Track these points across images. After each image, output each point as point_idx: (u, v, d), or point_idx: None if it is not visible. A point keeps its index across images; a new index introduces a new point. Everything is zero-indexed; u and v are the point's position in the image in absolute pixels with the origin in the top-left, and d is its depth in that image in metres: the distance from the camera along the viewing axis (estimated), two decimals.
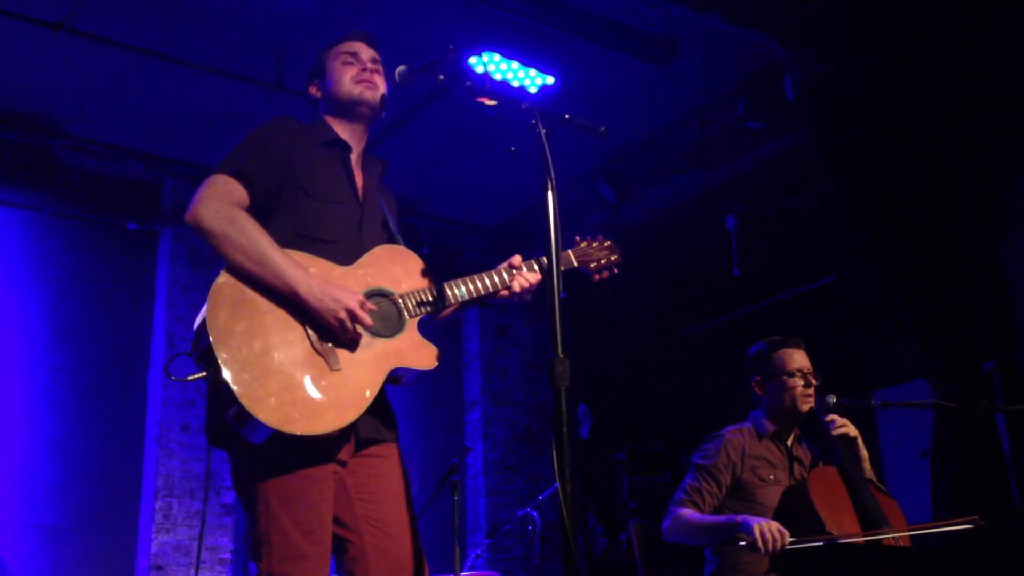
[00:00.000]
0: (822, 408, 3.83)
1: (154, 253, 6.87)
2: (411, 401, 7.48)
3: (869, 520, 3.60)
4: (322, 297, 2.55)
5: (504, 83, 5.47)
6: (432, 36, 5.21)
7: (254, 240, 2.57)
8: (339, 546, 2.65)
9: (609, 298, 7.58)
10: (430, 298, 2.76)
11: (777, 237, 6.88)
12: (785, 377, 3.92)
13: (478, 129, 6.19)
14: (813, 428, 4.01)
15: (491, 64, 5.42)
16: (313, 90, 2.96)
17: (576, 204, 7.23)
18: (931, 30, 5.07)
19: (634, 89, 6.08)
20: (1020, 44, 4.94)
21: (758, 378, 4.00)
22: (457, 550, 5.40)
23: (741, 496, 3.89)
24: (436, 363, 2.71)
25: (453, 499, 5.47)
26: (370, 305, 2.62)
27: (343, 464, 2.64)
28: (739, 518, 3.61)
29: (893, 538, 3.56)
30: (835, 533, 3.53)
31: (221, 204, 2.61)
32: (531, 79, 5.57)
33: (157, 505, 6.36)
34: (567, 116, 2.64)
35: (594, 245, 3.12)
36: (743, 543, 3.50)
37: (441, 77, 2.75)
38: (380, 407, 2.71)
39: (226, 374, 2.42)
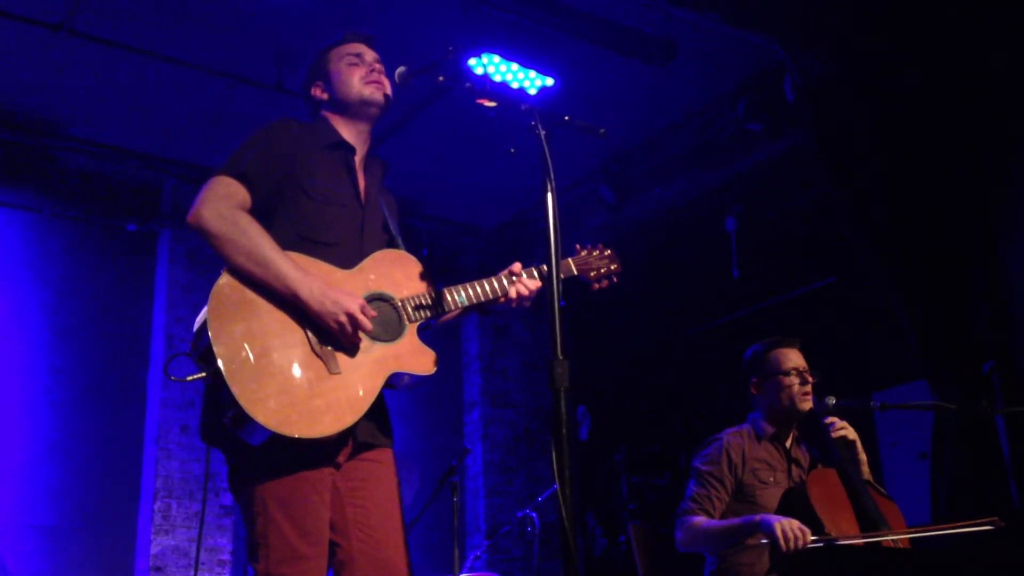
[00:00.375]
0: (821, 410, 3.83)
1: (154, 254, 6.87)
2: (410, 402, 7.48)
3: (868, 522, 3.60)
4: (323, 300, 2.55)
5: (504, 84, 5.47)
6: (432, 37, 5.22)
7: (256, 242, 2.57)
8: (328, 549, 2.65)
9: (608, 299, 7.57)
10: (430, 303, 2.76)
11: (777, 238, 6.89)
12: (781, 377, 3.92)
13: (478, 130, 6.18)
14: (812, 430, 4.01)
15: (491, 65, 5.42)
16: (316, 91, 2.95)
17: (576, 205, 7.23)
18: (931, 31, 5.08)
19: (634, 90, 6.08)
20: (1020, 45, 4.94)
21: (755, 379, 4.01)
22: (456, 551, 5.40)
23: (742, 498, 3.89)
24: (434, 369, 2.71)
25: (452, 500, 5.47)
26: (370, 309, 2.62)
27: (339, 467, 2.64)
28: (756, 518, 3.59)
29: (892, 540, 3.56)
30: (834, 535, 3.53)
31: (223, 205, 2.61)
32: (531, 80, 5.57)
33: (156, 506, 6.36)
34: (567, 117, 2.65)
35: (594, 254, 3.13)
36: (764, 540, 3.48)
37: (441, 78, 2.76)
38: (377, 411, 2.71)
39: (225, 375, 2.42)
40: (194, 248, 6.75)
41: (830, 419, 3.86)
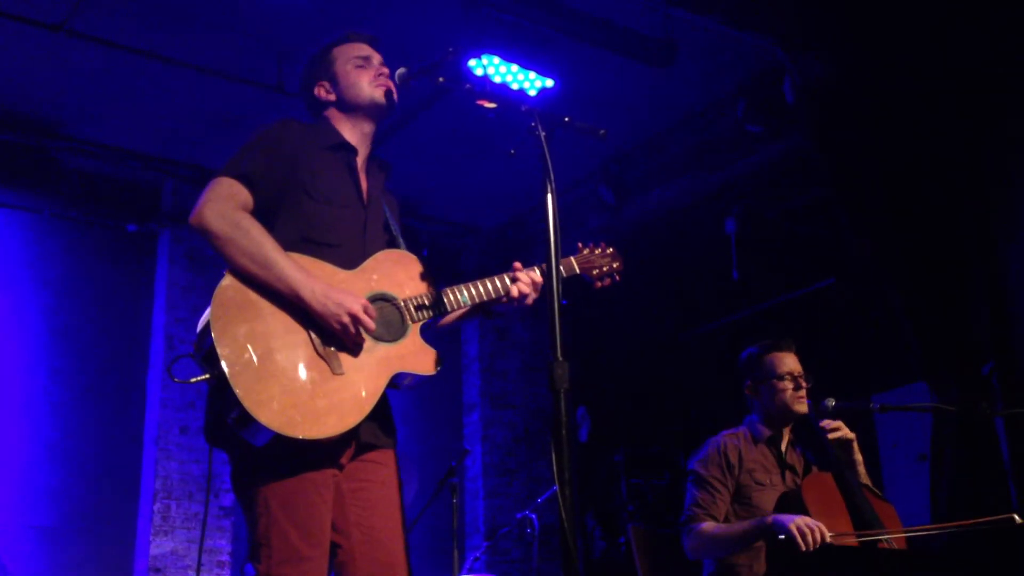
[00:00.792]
0: (821, 412, 3.83)
1: (153, 255, 6.87)
2: (410, 403, 7.48)
3: (864, 525, 3.60)
4: (325, 301, 2.55)
5: (504, 85, 5.47)
6: (432, 38, 5.22)
7: (258, 243, 2.56)
8: (330, 549, 2.65)
9: (608, 301, 7.59)
10: (433, 303, 2.76)
11: (776, 239, 6.89)
12: (775, 380, 3.93)
13: (478, 131, 6.19)
14: (808, 433, 4.01)
15: (491, 67, 5.42)
16: (321, 92, 2.93)
17: (576, 206, 7.23)
18: (930, 32, 5.08)
19: (634, 91, 6.08)
20: (1019, 45, 4.94)
21: (749, 382, 4.02)
22: (456, 553, 5.40)
23: (739, 500, 3.89)
24: (437, 369, 2.71)
25: (452, 501, 5.47)
26: (372, 309, 2.62)
27: (341, 468, 2.65)
28: (768, 520, 3.58)
29: (887, 542, 3.56)
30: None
31: (226, 207, 2.61)
32: (531, 82, 5.57)
33: (156, 507, 6.36)
34: (567, 119, 2.64)
35: (596, 252, 3.13)
36: (782, 536, 3.46)
37: (441, 79, 2.76)
38: (380, 412, 2.71)
39: (229, 376, 2.42)
40: (194, 249, 6.75)
41: (825, 421, 3.86)
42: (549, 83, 5.61)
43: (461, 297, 2.80)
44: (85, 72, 5.72)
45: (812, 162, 5.67)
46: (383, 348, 2.64)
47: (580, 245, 3.12)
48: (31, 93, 5.94)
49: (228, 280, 2.56)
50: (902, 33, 5.13)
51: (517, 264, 2.89)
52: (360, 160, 2.90)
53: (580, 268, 3.07)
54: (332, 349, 2.57)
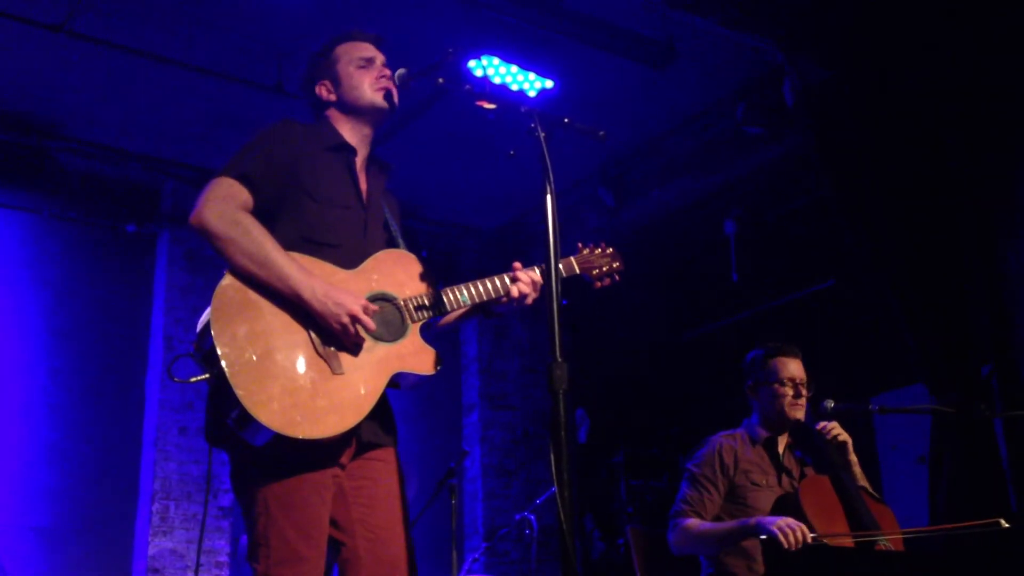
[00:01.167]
0: (820, 413, 3.84)
1: (152, 256, 6.87)
2: (409, 404, 7.48)
3: (861, 527, 3.61)
4: (325, 301, 2.55)
5: (503, 87, 5.48)
6: (432, 39, 5.21)
7: (258, 243, 2.57)
8: (333, 548, 2.65)
9: (607, 302, 7.59)
10: (433, 303, 2.76)
11: (775, 241, 6.89)
12: (776, 385, 3.94)
13: (477, 132, 6.19)
14: (804, 436, 4.02)
15: (490, 68, 5.43)
16: (322, 91, 2.92)
17: (575, 207, 7.23)
18: (929, 34, 5.08)
19: (633, 93, 6.08)
20: (1019, 48, 4.95)
21: (751, 382, 4.03)
22: (454, 554, 5.40)
23: (733, 500, 3.91)
24: (437, 368, 2.71)
25: (451, 503, 5.47)
26: (373, 309, 2.62)
27: (343, 467, 2.65)
28: (752, 521, 3.61)
29: (884, 544, 3.57)
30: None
31: (226, 207, 2.61)
32: (530, 83, 5.57)
33: (154, 508, 6.36)
34: (566, 120, 2.65)
35: (596, 252, 3.13)
36: (764, 537, 3.48)
37: (441, 80, 2.76)
38: (381, 411, 2.71)
39: (228, 376, 2.42)
40: (193, 250, 6.75)
41: (821, 424, 3.87)
42: (549, 84, 5.62)
43: (461, 297, 2.80)
44: (85, 72, 5.72)
45: (811, 164, 5.67)
46: (383, 348, 2.64)
47: (580, 245, 3.13)
48: (30, 93, 5.94)
49: (228, 280, 2.56)
50: (901, 35, 5.14)
51: (517, 264, 2.89)
52: (360, 161, 2.90)
53: (580, 268, 3.08)
54: (332, 349, 2.57)
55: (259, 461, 2.52)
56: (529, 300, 2.87)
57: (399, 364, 2.66)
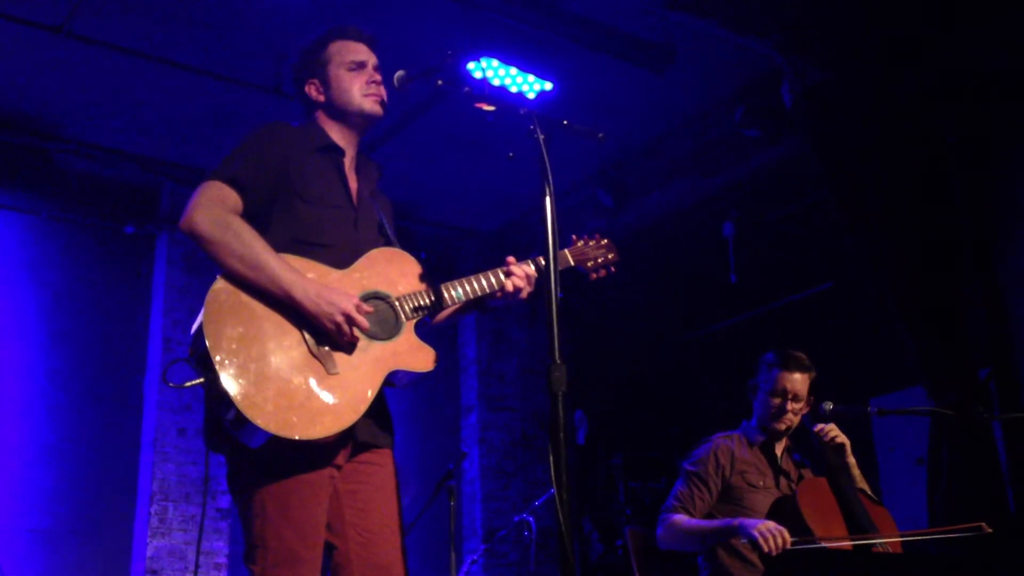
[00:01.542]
0: (818, 415, 3.84)
1: (151, 257, 6.87)
2: (408, 406, 7.48)
3: (859, 529, 3.61)
4: (318, 301, 2.54)
5: (502, 89, 5.48)
6: (431, 41, 5.22)
7: (249, 245, 2.56)
8: (325, 550, 2.65)
9: (606, 304, 7.60)
10: (427, 300, 2.76)
11: (774, 243, 6.90)
12: (769, 396, 3.96)
13: (476, 134, 6.19)
14: (802, 438, 4.03)
15: (489, 70, 5.43)
16: (312, 91, 2.92)
17: (574, 210, 7.23)
18: (928, 37, 5.09)
19: (632, 95, 6.09)
20: (1018, 52, 4.95)
21: (752, 384, 4.05)
22: (453, 556, 5.40)
23: (730, 500, 3.92)
24: (434, 365, 2.71)
25: (449, 504, 5.47)
26: (366, 308, 2.62)
27: (339, 468, 2.64)
28: (735, 521, 3.62)
29: (882, 546, 3.57)
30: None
31: (216, 210, 2.60)
32: (529, 85, 5.57)
33: (153, 509, 6.35)
34: (565, 122, 2.65)
35: (591, 244, 3.12)
36: (744, 540, 3.50)
37: (439, 82, 2.76)
38: (378, 411, 2.71)
39: (223, 379, 2.42)
40: (191, 251, 6.74)
41: (819, 426, 3.87)
42: (548, 86, 5.62)
43: (455, 293, 2.80)
44: (84, 74, 5.72)
45: (809, 167, 5.68)
46: (378, 346, 2.64)
47: (574, 238, 3.11)
48: (30, 94, 5.94)
49: (220, 283, 2.56)
50: (900, 38, 5.14)
51: (511, 259, 2.89)
52: (348, 161, 2.89)
53: (574, 260, 3.06)
54: (326, 349, 2.57)
55: (256, 463, 2.52)
56: (524, 294, 2.88)
57: (394, 362, 2.65)
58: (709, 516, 3.91)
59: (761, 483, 3.93)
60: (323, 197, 2.77)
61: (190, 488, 6.49)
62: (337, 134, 2.89)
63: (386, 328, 2.68)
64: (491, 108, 2.73)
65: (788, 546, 3.45)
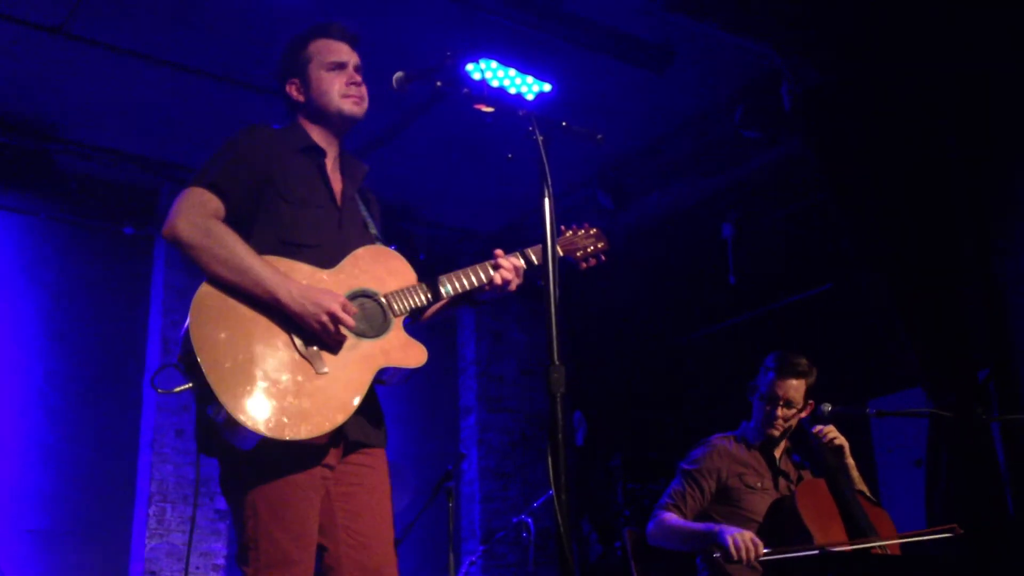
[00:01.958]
0: (817, 416, 3.84)
1: (150, 257, 6.86)
2: (406, 407, 7.47)
3: (857, 530, 3.62)
4: (303, 301, 2.54)
5: (501, 90, 5.47)
6: (430, 42, 5.22)
7: (232, 249, 2.56)
8: (317, 551, 2.65)
9: (605, 305, 7.60)
10: (414, 296, 2.76)
11: (773, 245, 6.90)
12: (765, 403, 3.97)
13: (475, 136, 6.18)
14: (801, 440, 4.03)
15: (488, 71, 5.42)
16: (292, 91, 2.91)
17: (573, 211, 7.22)
18: (928, 39, 5.09)
19: (631, 97, 6.08)
20: (1018, 55, 4.95)
21: (752, 385, 4.05)
22: (451, 557, 5.39)
23: (727, 502, 3.92)
24: (424, 360, 2.70)
25: (448, 506, 5.46)
26: (352, 307, 2.61)
27: (331, 468, 2.64)
28: (716, 528, 3.64)
29: (880, 547, 3.57)
30: (822, 544, 3.55)
31: (197, 216, 2.61)
32: (528, 86, 5.57)
33: (151, 510, 6.35)
34: (564, 123, 2.65)
35: (580, 233, 3.12)
36: (717, 555, 3.54)
37: (438, 83, 2.76)
38: (369, 409, 2.70)
39: (212, 384, 2.42)
40: None
41: (817, 427, 3.88)
42: (547, 87, 5.62)
43: (444, 289, 2.81)
44: (83, 74, 5.72)
45: (809, 168, 5.68)
46: (366, 344, 2.64)
47: (563, 228, 3.10)
48: (29, 95, 5.94)
49: (205, 288, 2.56)
50: (899, 39, 5.14)
51: (498, 251, 2.90)
52: (330, 161, 2.89)
53: (563, 251, 3.06)
54: (314, 349, 2.57)
55: (247, 464, 2.53)
56: (512, 286, 2.88)
57: (384, 359, 2.65)
58: (705, 516, 3.92)
59: (759, 484, 3.94)
60: (306, 198, 2.77)
61: (188, 489, 6.48)
62: (318, 135, 2.88)
63: (374, 326, 2.68)
64: (490, 109, 2.73)
65: (760, 557, 3.49)
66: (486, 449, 7.81)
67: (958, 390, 4.98)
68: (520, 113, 2.60)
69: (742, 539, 3.51)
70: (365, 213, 2.92)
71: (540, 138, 2.53)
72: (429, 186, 7.11)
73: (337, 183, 2.88)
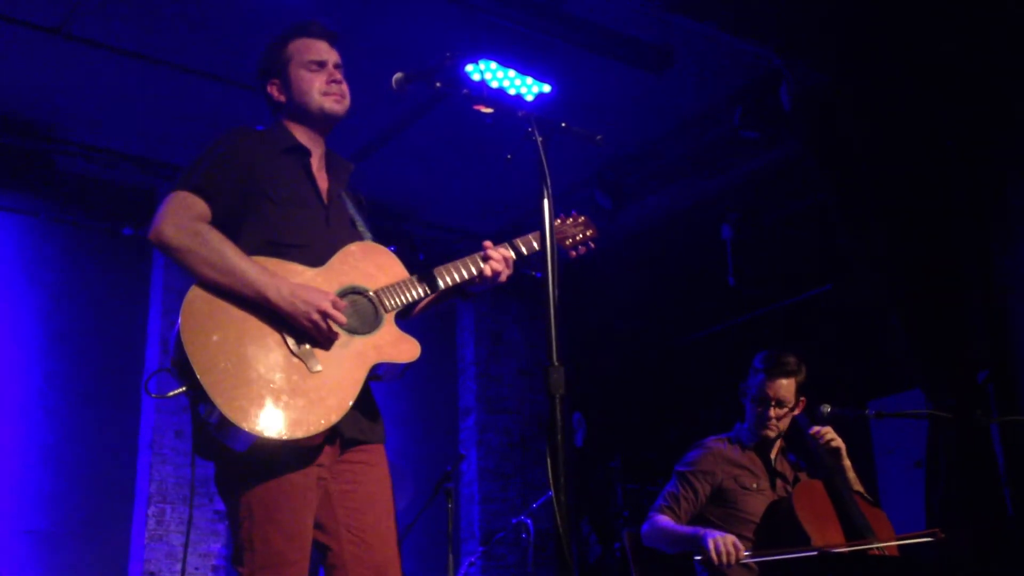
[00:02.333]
0: (816, 417, 3.84)
1: (149, 258, 6.86)
2: (405, 408, 7.48)
3: (854, 532, 3.62)
4: (293, 300, 2.54)
5: (501, 91, 5.47)
6: (429, 43, 5.22)
7: (219, 251, 2.56)
8: (319, 551, 2.65)
9: (605, 306, 7.60)
10: (405, 291, 2.76)
11: (773, 246, 6.90)
12: (754, 403, 3.97)
13: (474, 136, 6.18)
14: (798, 440, 4.04)
15: (488, 72, 5.42)
16: (273, 91, 2.91)
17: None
18: (928, 40, 5.09)
19: (630, 97, 6.08)
20: (1014, 53, 4.95)
21: (742, 387, 4.07)
22: (451, 558, 5.39)
23: (722, 503, 3.93)
24: (417, 354, 2.70)
25: (447, 507, 5.46)
26: (342, 303, 2.61)
27: (327, 467, 2.64)
28: (700, 532, 3.66)
29: (878, 548, 3.58)
30: (819, 545, 3.55)
31: (183, 219, 2.60)
32: (528, 87, 5.57)
33: (150, 511, 6.34)
34: (563, 124, 2.65)
35: (568, 221, 3.12)
36: (698, 557, 3.56)
37: (438, 84, 2.76)
38: (365, 406, 2.70)
39: (205, 386, 2.42)
40: None
41: (814, 428, 3.88)
42: (546, 88, 5.61)
43: (434, 283, 2.81)
44: (83, 75, 5.71)
45: (808, 169, 5.68)
46: (359, 341, 2.64)
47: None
48: (28, 96, 5.93)
49: (194, 292, 2.55)
50: (899, 41, 5.14)
51: (487, 243, 2.90)
52: (315, 160, 2.88)
53: None
54: (307, 347, 2.56)
55: (242, 466, 2.52)
56: (503, 277, 2.88)
57: (377, 355, 2.65)
58: (701, 518, 3.93)
59: (754, 485, 3.94)
60: (292, 198, 2.76)
61: (188, 490, 6.47)
62: (301, 134, 2.88)
63: (366, 322, 2.68)
64: (489, 110, 2.73)
65: (741, 559, 3.52)
66: (485, 450, 7.80)
67: (957, 391, 4.98)
68: (519, 114, 2.60)
69: (723, 542, 3.53)
70: (353, 211, 2.92)
71: (539, 139, 2.53)
72: (429, 186, 7.11)
73: (323, 182, 2.88)
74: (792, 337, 6.45)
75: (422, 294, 2.79)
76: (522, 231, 2.99)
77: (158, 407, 6.49)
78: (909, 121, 5.26)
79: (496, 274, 2.86)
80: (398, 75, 2.81)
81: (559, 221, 3.09)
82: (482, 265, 2.86)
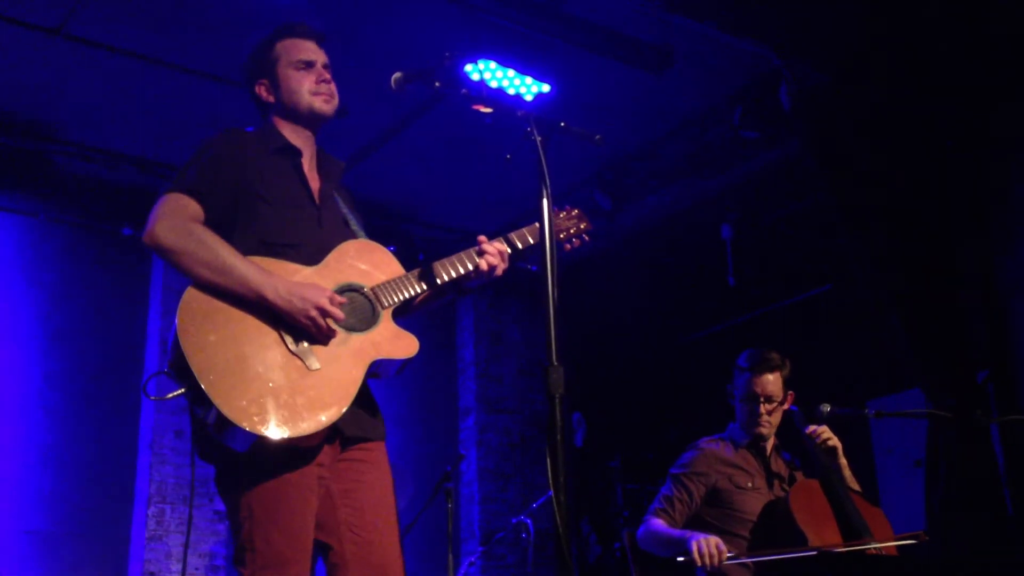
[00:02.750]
0: (816, 417, 3.84)
1: (149, 259, 6.85)
2: (405, 408, 7.47)
3: (851, 531, 3.62)
4: (290, 298, 2.54)
5: (500, 91, 5.47)
6: (429, 43, 5.22)
7: (214, 251, 2.56)
8: (321, 551, 2.65)
9: (605, 306, 7.59)
10: (401, 288, 2.76)
11: (772, 246, 6.90)
12: (743, 402, 3.98)
13: (474, 136, 6.18)
14: (795, 440, 4.04)
15: (487, 71, 5.42)
16: (262, 92, 2.91)
17: None
18: (927, 40, 5.09)
19: (630, 98, 6.08)
20: (1017, 55, 4.96)
21: (730, 389, 4.08)
22: (451, 558, 5.39)
23: (718, 504, 3.93)
24: (416, 350, 2.70)
25: (447, 507, 5.46)
26: (340, 299, 2.61)
27: (327, 466, 2.63)
28: (686, 535, 3.66)
29: (876, 548, 3.58)
30: (817, 545, 3.55)
31: (177, 220, 2.61)
32: (527, 87, 5.56)
33: (150, 511, 6.34)
34: (563, 124, 2.65)
35: (562, 215, 3.13)
36: (681, 559, 3.56)
37: (437, 84, 2.76)
38: (364, 403, 2.69)
39: (203, 387, 2.41)
40: None
41: (811, 428, 3.88)
42: (545, 88, 5.61)
43: (430, 279, 2.81)
44: (82, 75, 5.71)
45: (808, 169, 5.68)
46: (357, 338, 2.63)
47: None
48: (28, 96, 5.93)
49: (191, 293, 2.55)
50: (898, 41, 5.14)
51: (482, 237, 2.90)
52: (307, 160, 2.89)
53: None
54: (305, 345, 2.56)
55: (242, 466, 2.52)
56: (499, 271, 2.88)
57: (375, 352, 2.64)
58: (697, 519, 3.94)
59: (749, 484, 3.94)
60: (285, 198, 2.76)
61: (187, 490, 6.48)
62: (292, 134, 2.88)
63: (363, 319, 2.68)
64: (489, 110, 2.73)
65: (725, 560, 3.52)
66: (485, 450, 7.80)
67: (957, 391, 4.98)
68: (519, 114, 2.60)
69: (706, 544, 3.54)
70: (345, 210, 2.92)
71: (539, 139, 2.53)
72: (428, 187, 7.11)
73: (315, 181, 2.88)
74: (792, 337, 6.45)
75: (419, 290, 2.78)
76: None
77: (158, 407, 6.48)
78: (909, 121, 5.26)
79: (492, 268, 2.86)
80: (397, 75, 2.81)
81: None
82: (478, 260, 2.86)
